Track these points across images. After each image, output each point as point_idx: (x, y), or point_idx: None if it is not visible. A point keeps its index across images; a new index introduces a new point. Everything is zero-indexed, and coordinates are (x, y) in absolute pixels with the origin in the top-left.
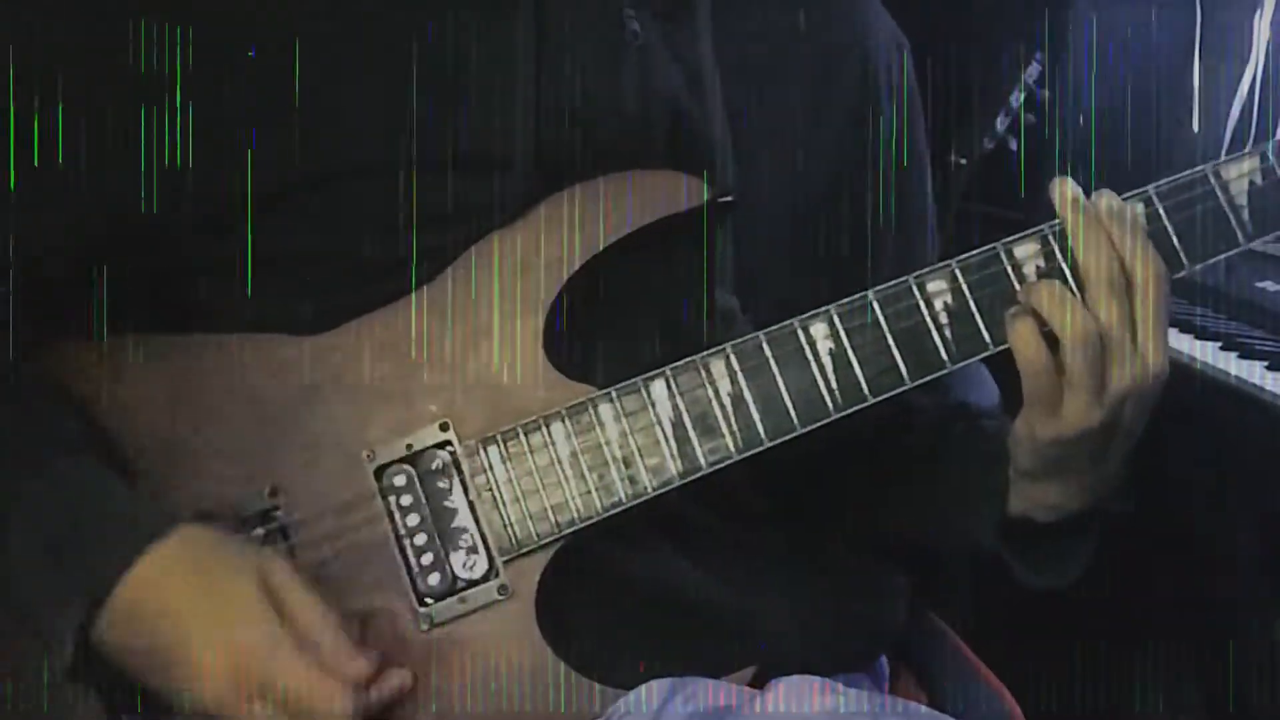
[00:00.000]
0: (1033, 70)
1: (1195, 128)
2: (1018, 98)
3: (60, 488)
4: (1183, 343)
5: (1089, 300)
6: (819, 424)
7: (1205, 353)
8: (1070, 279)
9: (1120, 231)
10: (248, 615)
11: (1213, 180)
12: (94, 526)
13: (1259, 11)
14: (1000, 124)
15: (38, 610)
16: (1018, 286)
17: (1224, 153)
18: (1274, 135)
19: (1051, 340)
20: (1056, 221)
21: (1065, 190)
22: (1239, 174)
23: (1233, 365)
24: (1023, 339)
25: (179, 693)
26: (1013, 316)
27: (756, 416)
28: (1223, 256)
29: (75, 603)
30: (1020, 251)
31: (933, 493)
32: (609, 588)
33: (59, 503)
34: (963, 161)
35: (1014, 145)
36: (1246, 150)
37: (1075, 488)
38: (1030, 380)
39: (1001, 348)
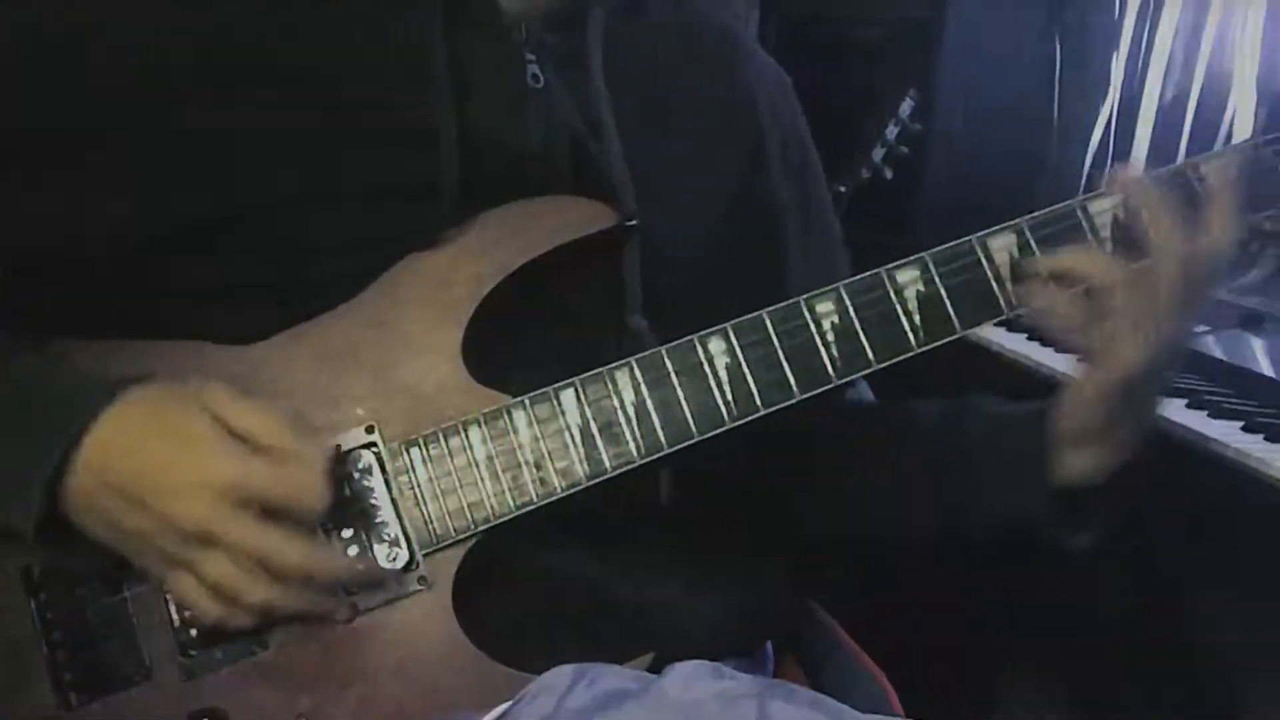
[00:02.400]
0: (906, 106)
1: (1056, 159)
2: (893, 131)
3: (15, 377)
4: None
5: (1164, 250)
6: (715, 432)
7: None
8: (949, 304)
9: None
10: (207, 441)
11: (1080, 214)
12: (59, 395)
13: (1115, 51)
14: (877, 155)
15: (6, 471)
16: (899, 310)
17: (1083, 182)
18: (1129, 166)
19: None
20: (935, 249)
21: (1126, 174)
22: (1103, 209)
23: None
24: (1046, 298)
25: (169, 524)
26: (1028, 288)
27: (658, 424)
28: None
29: (44, 456)
30: (902, 276)
31: (965, 484)
32: (520, 580)
33: (16, 388)
34: (842, 190)
35: (889, 175)
36: (1106, 188)
37: (1123, 440)
38: (1067, 333)
39: (883, 365)
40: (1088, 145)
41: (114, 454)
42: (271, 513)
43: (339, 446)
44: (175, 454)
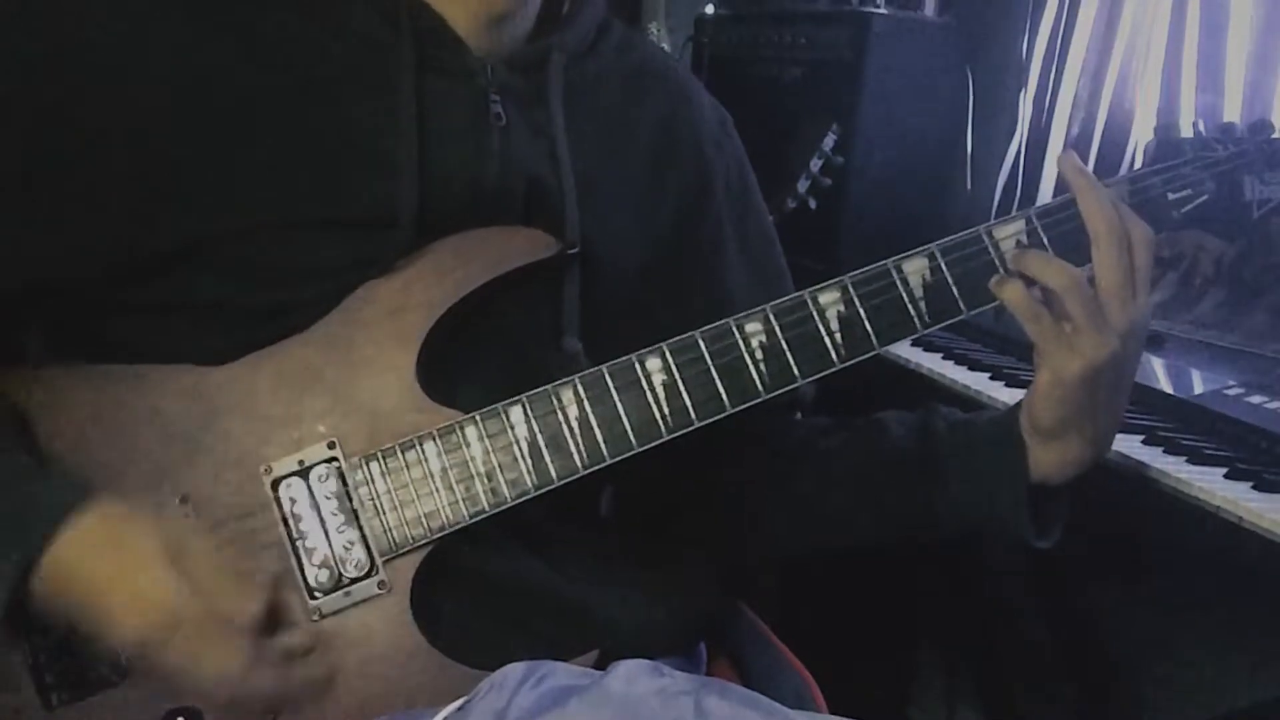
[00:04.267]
0: (829, 140)
1: (969, 190)
2: (816, 163)
3: None
4: (951, 369)
5: (1099, 251)
6: (653, 444)
7: (977, 381)
8: (867, 323)
9: (1114, 199)
10: (154, 569)
11: (986, 239)
12: (28, 500)
13: (1024, 89)
14: (801, 186)
15: None
16: (821, 329)
17: (994, 211)
18: (1037, 199)
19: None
20: (855, 272)
21: (1074, 160)
22: (1007, 234)
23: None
24: (1014, 292)
25: (106, 638)
26: (999, 282)
27: (600, 437)
28: (996, 303)
29: (11, 561)
30: (824, 298)
31: (937, 489)
32: (474, 583)
33: None
34: (770, 218)
35: (813, 204)
36: (1014, 214)
37: (1092, 433)
38: (1033, 326)
39: (808, 380)
40: (998, 177)
41: (69, 569)
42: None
43: (302, 461)
44: (121, 577)
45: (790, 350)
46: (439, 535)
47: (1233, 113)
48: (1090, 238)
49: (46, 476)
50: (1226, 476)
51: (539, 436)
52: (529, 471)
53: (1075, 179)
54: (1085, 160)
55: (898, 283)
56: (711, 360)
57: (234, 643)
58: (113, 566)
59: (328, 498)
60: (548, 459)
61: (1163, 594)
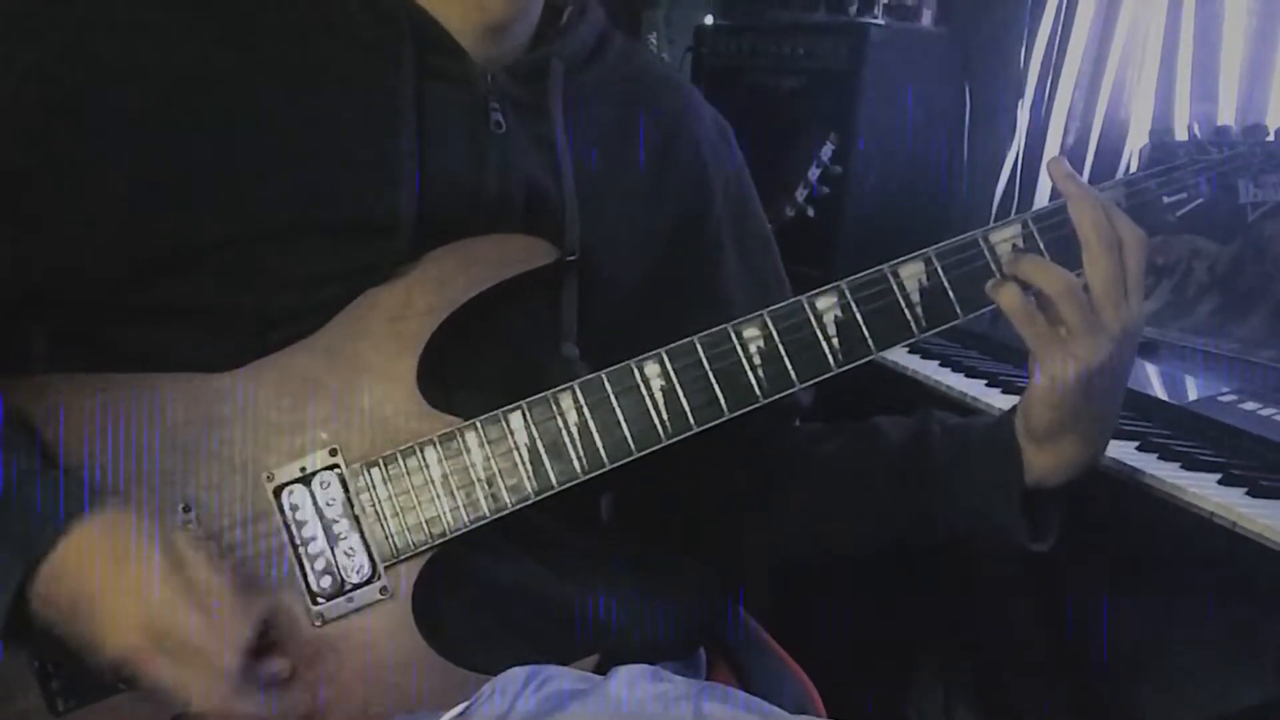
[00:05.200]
0: (827, 149)
1: (965, 198)
2: (815, 172)
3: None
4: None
5: (1090, 256)
6: (652, 449)
7: (972, 388)
8: (864, 327)
9: (1104, 204)
10: (154, 578)
11: (982, 243)
12: (32, 505)
13: (1020, 99)
14: (800, 195)
15: None
16: (819, 334)
17: (991, 221)
18: (1033, 208)
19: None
20: (851, 277)
21: (1063, 166)
22: (1003, 238)
23: (993, 398)
24: (1010, 296)
25: (98, 645)
26: (995, 285)
27: (600, 443)
28: (992, 307)
29: (12, 568)
30: (821, 303)
31: (934, 494)
32: (475, 588)
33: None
34: (768, 225)
35: (811, 213)
36: (1011, 218)
37: (1087, 437)
38: (1028, 330)
39: (805, 385)
40: (995, 186)
41: (70, 573)
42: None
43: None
44: (121, 584)
45: (788, 355)
46: (440, 541)
47: (1227, 119)
48: (1081, 242)
49: (53, 481)
50: (1220, 482)
51: (539, 442)
52: (529, 477)
53: (1065, 184)
54: (1081, 168)
55: (894, 287)
56: (709, 365)
57: (222, 662)
58: (109, 576)
59: (330, 504)
60: (548, 464)
61: (1157, 598)
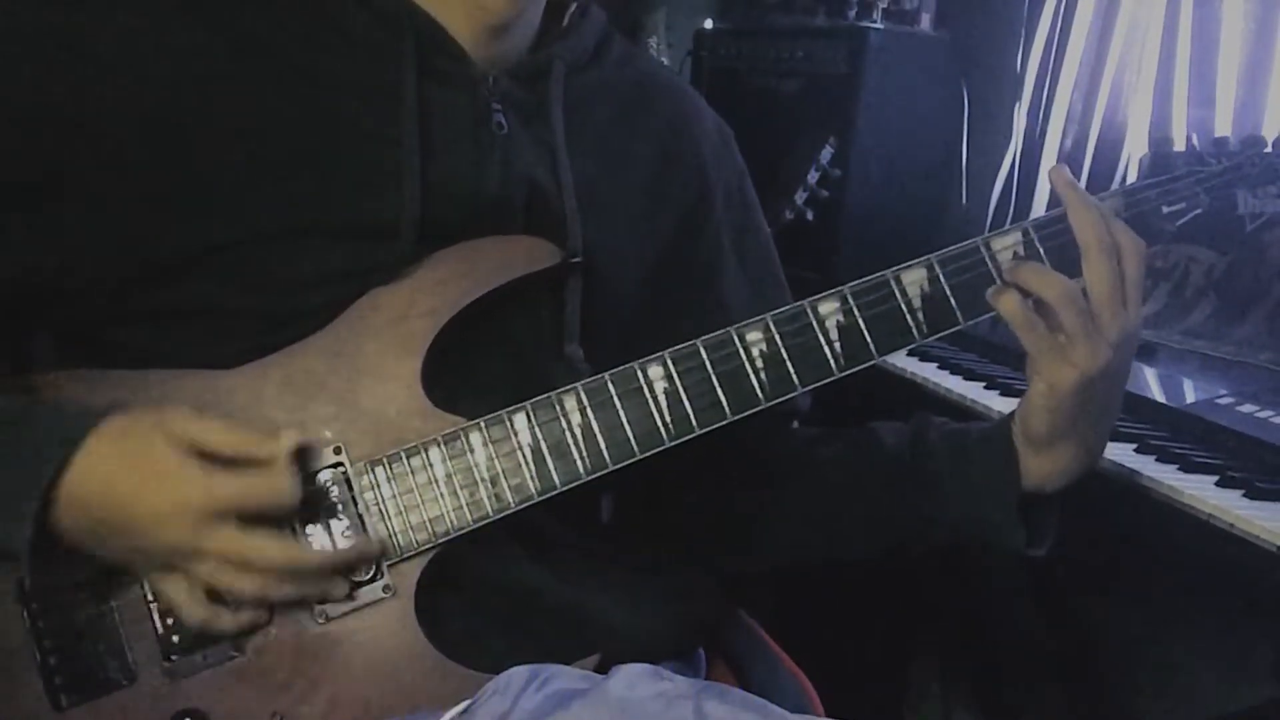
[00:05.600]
0: (826, 152)
1: (964, 202)
2: (814, 176)
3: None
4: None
5: (1089, 263)
6: (655, 451)
7: (971, 390)
8: (866, 332)
9: (1104, 212)
10: (171, 467)
11: (983, 250)
12: (36, 432)
13: (1018, 102)
14: (799, 198)
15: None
16: (821, 338)
17: (988, 222)
18: (1031, 212)
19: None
20: (854, 282)
21: (1064, 174)
22: (1004, 246)
23: (996, 402)
24: (1010, 304)
25: (147, 544)
26: (996, 292)
27: (603, 444)
28: (992, 313)
29: (31, 487)
30: (823, 308)
31: (932, 499)
32: (477, 587)
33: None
34: (768, 229)
35: (810, 216)
36: (1012, 225)
37: (1084, 442)
38: (1028, 336)
39: (808, 389)
40: (993, 189)
41: (90, 490)
42: (248, 518)
43: (300, 443)
44: (146, 484)
45: (790, 359)
46: (443, 540)
47: (1224, 126)
48: (1080, 249)
49: (40, 411)
50: (1218, 484)
51: (542, 443)
52: (532, 477)
53: (1065, 192)
54: (1078, 173)
55: (896, 293)
56: (712, 368)
57: (282, 504)
58: (133, 480)
59: (334, 502)
60: (551, 465)
61: (1155, 600)
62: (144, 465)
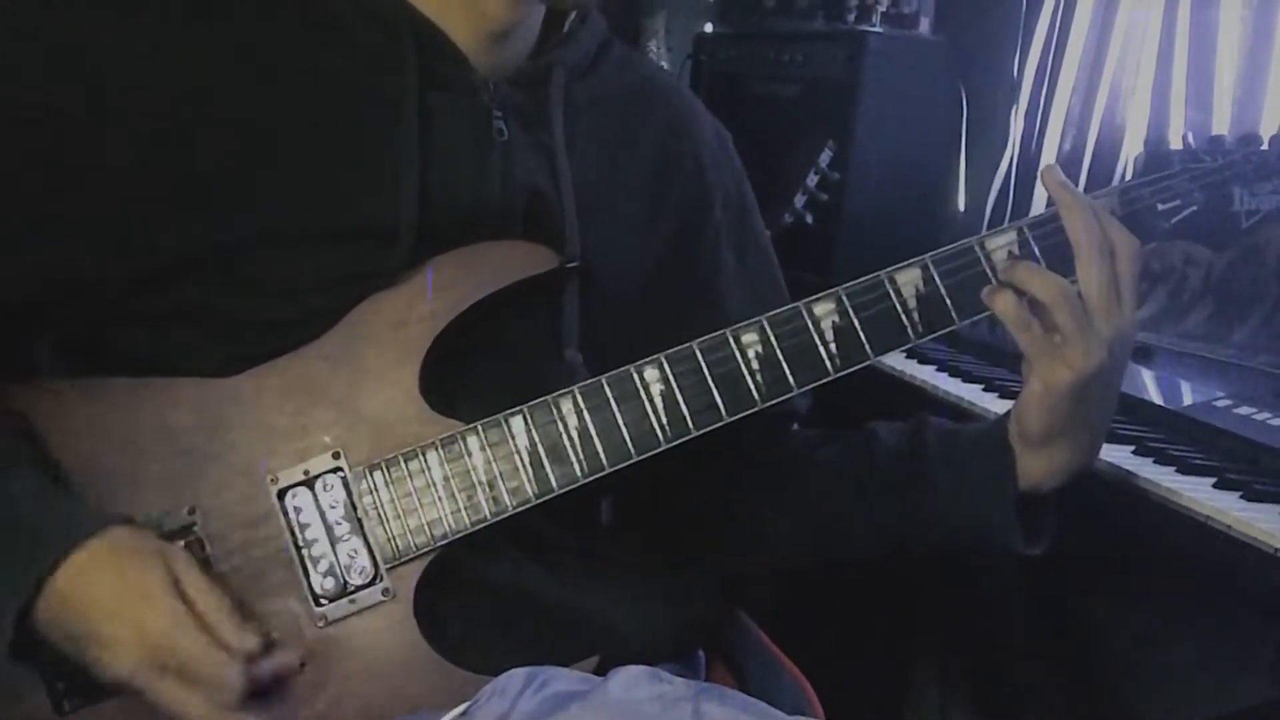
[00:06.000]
0: (825, 156)
1: (961, 204)
2: (813, 179)
3: (3, 495)
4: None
5: (1082, 262)
6: (652, 453)
7: (968, 392)
8: (861, 333)
9: (1098, 211)
10: (155, 600)
11: (978, 250)
12: (33, 526)
13: (1015, 106)
14: (798, 201)
15: None
16: (816, 339)
17: (986, 227)
18: (1029, 214)
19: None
20: (849, 283)
21: (1057, 174)
22: (999, 246)
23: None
24: (1005, 303)
25: (103, 667)
26: (991, 292)
27: (599, 447)
28: (987, 313)
29: (17, 589)
30: (819, 309)
31: (929, 499)
32: (476, 590)
33: (4, 512)
34: (767, 232)
35: (809, 219)
36: (1006, 225)
37: (1080, 442)
38: (1023, 336)
39: (803, 390)
40: (990, 193)
41: (73, 594)
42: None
43: (307, 471)
44: (122, 606)
45: (786, 360)
46: (442, 543)
47: (1221, 129)
48: (1074, 248)
49: (58, 498)
50: (1215, 486)
51: (540, 446)
52: (530, 480)
53: (1058, 192)
54: (1076, 177)
55: (891, 293)
56: (708, 370)
57: (224, 681)
58: (109, 599)
59: (333, 506)
60: (548, 468)
61: (1154, 601)
62: (129, 585)
